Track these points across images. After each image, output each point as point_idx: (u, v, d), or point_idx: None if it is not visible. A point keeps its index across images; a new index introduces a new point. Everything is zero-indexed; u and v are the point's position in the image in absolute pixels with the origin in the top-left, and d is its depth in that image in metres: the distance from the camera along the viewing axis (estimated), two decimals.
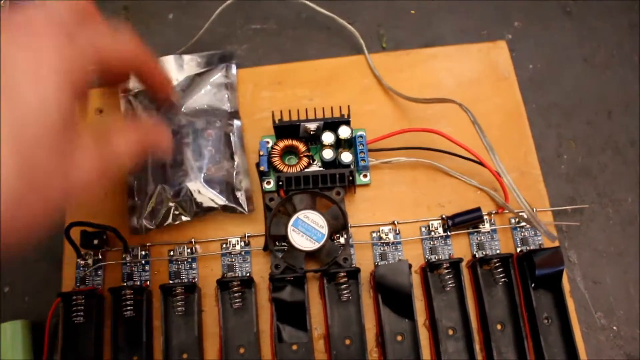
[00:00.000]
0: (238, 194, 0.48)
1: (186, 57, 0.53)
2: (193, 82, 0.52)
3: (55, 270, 0.49)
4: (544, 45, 0.57)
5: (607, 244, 0.49)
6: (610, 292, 0.48)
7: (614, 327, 0.47)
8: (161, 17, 0.60)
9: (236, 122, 0.51)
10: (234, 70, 0.54)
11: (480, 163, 0.48)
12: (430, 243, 0.48)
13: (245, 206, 0.48)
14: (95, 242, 0.47)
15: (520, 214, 0.46)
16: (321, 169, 0.48)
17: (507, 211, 0.48)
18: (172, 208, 0.47)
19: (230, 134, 0.50)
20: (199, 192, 0.47)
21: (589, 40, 0.57)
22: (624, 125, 0.53)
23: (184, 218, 0.47)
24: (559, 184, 0.51)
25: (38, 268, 0.50)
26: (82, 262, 0.48)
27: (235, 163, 0.49)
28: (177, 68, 0.53)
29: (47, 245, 0.51)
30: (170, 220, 0.47)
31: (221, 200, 0.47)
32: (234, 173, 0.48)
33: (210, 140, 0.49)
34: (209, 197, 0.47)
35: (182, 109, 0.50)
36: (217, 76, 0.53)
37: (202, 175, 0.47)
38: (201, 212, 0.47)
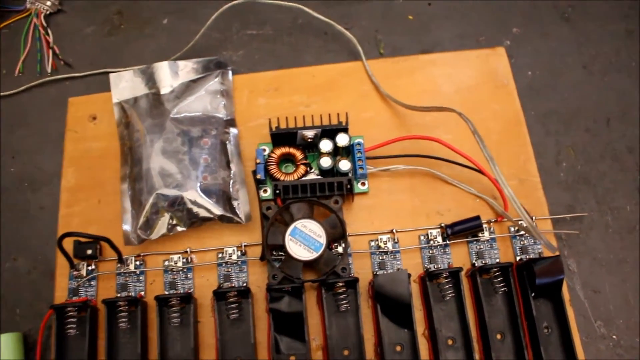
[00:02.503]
0: (234, 203, 0.47)
1: (181, 64, 0.52)
2: (188, 89, 0.51)
3: (48, 281, 0.48)
4: (543, 52, 0.57)
5: (606, 252, 0.49)
6: (610, 301, 0.47)
7: (614, 336, 0.46)
8: (156, 22, 0.59)
9: (232, 130, 0.50)
10: (229, 76, 0.53)
11: (480, 171, 0.47)
12: (429, 252, 0.47)
13: (242, 216, 0.47)
14: (89, 252, 0.47)
15: (520, 222, 0.45)
16: (319, 177, 0.48)
17: (506, 219, 0.48)
18: (168, 218, 0.46)
19: (227, 142, 0.49)
20: (195, 201, 0.46)
21: (587, 47, 0.57)
22: (622, 132, 0.53)
23: (179, 228, 0.46)
24: (558, 192, 0.51)
25: (29, 279, 0.49)
26: (76, 272, 0.47)
27: (232, 172, 0.48)
28: (171, 74, 0.52)
29: (39, 256, 0.50)
30: (165, 230, 0.46)
31: (218, 210, 0.46)
32: (231, 182, 0.48)
33: (206, 148, 0.48)
34: (206, 206, 0.46)
35: (179, 117, 0.49)
36: (213, 83, 0.52)
37: (198, 184, 0.46)
38: (197, 222, 0.47)
